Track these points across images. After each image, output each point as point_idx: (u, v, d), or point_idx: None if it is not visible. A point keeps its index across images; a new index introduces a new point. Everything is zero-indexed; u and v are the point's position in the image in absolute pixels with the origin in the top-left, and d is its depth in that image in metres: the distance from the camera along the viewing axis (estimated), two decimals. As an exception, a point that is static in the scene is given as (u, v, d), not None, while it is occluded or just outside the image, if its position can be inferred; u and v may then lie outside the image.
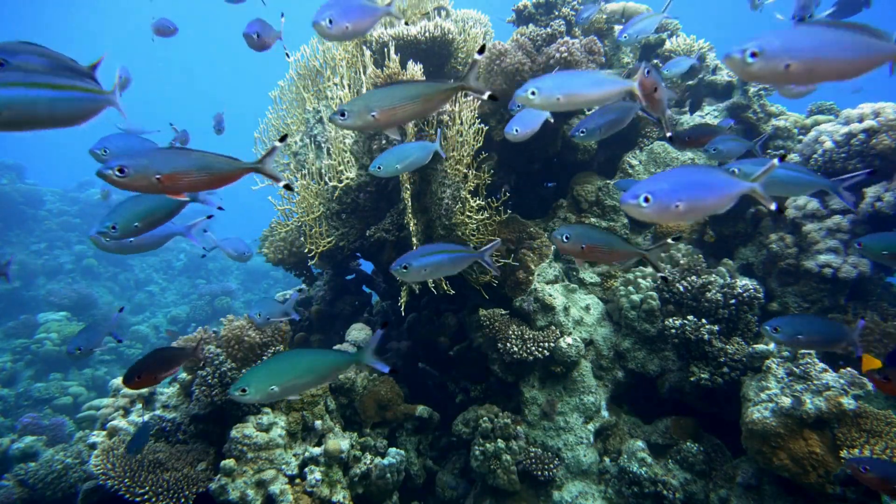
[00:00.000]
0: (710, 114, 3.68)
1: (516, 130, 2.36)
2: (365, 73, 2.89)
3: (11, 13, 28.52)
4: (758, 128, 3.59)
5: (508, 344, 2.80)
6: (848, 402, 2.23)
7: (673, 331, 2.69)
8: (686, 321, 2.66)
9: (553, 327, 2.88)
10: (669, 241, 1.96)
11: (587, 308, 3.06)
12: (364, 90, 2.90)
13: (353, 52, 3.18)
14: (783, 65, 1.12)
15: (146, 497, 2.28)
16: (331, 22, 1.74)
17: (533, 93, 1.57)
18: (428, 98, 1.57)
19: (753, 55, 1.13)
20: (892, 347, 2.63)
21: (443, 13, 3.44)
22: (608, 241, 1.86)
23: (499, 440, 2.74)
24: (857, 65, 1.15)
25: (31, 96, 1.21)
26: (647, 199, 1.31)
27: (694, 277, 2.80)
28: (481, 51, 1.55)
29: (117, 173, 1.34)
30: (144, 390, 2.97)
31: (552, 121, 2.48)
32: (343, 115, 1.58)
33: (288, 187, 1.61)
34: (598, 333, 3.00)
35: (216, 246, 3.14)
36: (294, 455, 2.58)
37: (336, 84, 2.97)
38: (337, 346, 3.13)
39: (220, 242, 3.17)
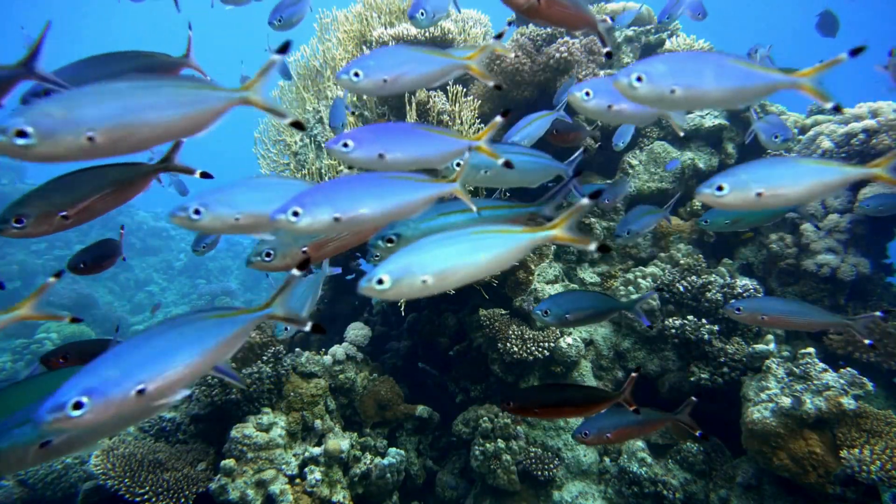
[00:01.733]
0: (710, 113, 3.67)
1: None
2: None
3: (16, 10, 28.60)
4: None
5: (508, 344, 2.80)
6: (848, 402, 2.23)
7: (673, 331, 2.69)
8: (686, 321, 2.66)
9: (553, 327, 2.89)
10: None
11: (587, 308, 3.06)
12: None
13: (353, 53, 3.18)
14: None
15: (146, 497, 2.28)
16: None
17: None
18: (124, 187, 1.32)
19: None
20: (892, 347, 2.63)
21: (443, 13, 3.44)
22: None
23: (499, 440, 2.74)
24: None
25: None
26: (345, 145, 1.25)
27: (694, 277, 2.80)
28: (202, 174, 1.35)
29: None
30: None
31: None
32: (19, 221, 1.23)
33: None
34: (598, 333, 3.00)
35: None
36: (294, 455, 2.58)
37: (336, 84, 2.97)
38: (336, 347, 3.13)
39: None
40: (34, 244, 10.26)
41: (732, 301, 2.08)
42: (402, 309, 2.90)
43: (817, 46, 3.63)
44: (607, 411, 2.21)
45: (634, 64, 1.19)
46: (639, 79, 1.17)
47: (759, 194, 1.23)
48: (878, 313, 2.04)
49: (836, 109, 1.25)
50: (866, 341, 1.98)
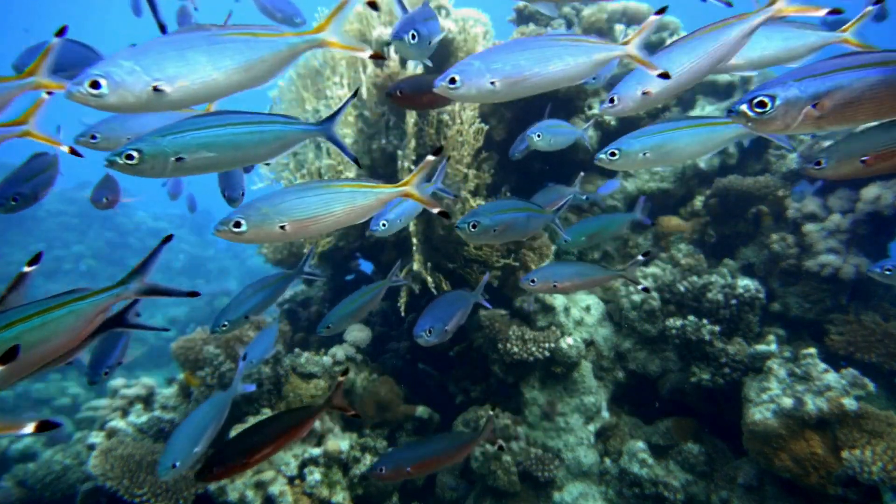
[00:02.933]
0: (711, 113, 3.67)
1: None
2: (365, 72, 2.88)
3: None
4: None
5: (509, 344, 2.79)
6: (849, 403, 2.22)
7: (674, 331, 2.68)
8: (687, 321, 2.65)
9: (553, 328, 2.87)
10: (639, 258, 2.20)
11: (588, 308, 3.05)
12: (364, 90, 2.89)
13: (353, 52, 3.17)
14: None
15: (145, 498, 2.28)
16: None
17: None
18: None
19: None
20: (893, 347, 2.62)
21: (443, 12, 3.43)
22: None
23: (499, 440, 2.73)
24: None
25: None
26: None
27: (695, 278, 2.80)
28: None
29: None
30: (143, 391, 2.96)
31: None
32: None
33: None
34: (598, 334, 3.00)
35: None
36: (293, 455, 2.57)
37: (336, 83, 2.96)
38: (335, 348, 3.12)
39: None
40: (33, 244, 10.26)
41: (526, 275, 2.18)
42: (403, 309, 2.89)
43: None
44: (408, 443, 2.22)
45: None
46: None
47: (282, 227, 1.33)
48: (640, 257, 2.24)
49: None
50: (639, 286, 2.28)
